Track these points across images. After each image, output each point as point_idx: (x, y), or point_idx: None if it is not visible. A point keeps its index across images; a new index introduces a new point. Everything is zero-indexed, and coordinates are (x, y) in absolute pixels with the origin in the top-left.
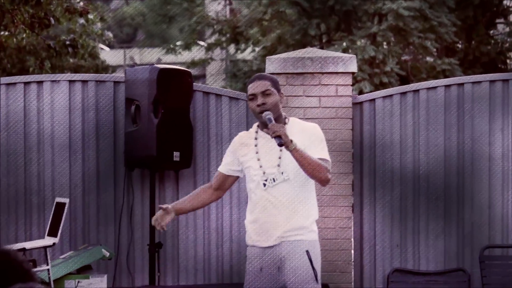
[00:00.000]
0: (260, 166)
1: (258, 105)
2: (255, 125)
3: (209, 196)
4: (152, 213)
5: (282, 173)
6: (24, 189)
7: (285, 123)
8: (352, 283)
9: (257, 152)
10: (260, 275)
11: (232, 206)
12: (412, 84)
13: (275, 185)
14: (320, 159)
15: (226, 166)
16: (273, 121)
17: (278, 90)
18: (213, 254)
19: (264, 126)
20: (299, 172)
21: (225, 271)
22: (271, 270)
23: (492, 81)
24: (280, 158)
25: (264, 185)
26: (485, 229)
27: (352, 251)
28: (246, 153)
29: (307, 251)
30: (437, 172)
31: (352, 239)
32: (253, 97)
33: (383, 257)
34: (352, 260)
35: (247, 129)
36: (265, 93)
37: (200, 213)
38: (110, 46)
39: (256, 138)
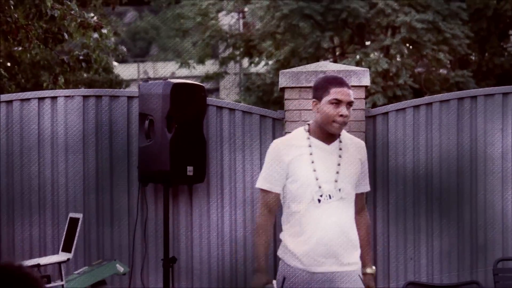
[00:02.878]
0: (316, 179)
1: (342, 115)
2: (301, 129)
3: (272, 223)
4: (166, 227)
5: (339, 190)
6: (38, 199)
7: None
8: None
9: (312, 162)
10: None
11: (246, 219)
12: (425, 97)
13: (330, 203)
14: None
15: (278, 183)
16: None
17: None
18: (227, 269)
19: (323, 134)
20: (352, 191)
21: (239, 286)
22: None
23: (505, 94)
24: (338, 173)
25: (319, 201)
26: (498, 241)
27: None
28: (298, 160)
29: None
30: (451, 182)
31: None
32: (338, 102)
33: (397, 269)
34: None
35: (261, 143)
36: (350, 105)
37: (214, 227)
38: (124, 60)
39: (309, 145)
